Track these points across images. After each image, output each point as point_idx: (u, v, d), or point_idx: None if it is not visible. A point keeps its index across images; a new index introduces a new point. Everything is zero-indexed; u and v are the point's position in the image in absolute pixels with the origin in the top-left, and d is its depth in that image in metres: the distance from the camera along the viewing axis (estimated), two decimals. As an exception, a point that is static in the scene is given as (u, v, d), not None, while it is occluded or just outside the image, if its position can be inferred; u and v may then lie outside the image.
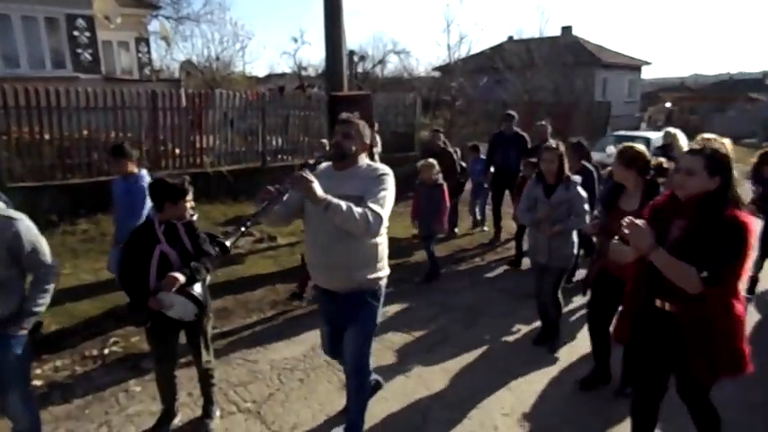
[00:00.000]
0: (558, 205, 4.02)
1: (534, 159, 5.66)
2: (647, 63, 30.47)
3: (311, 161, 2.57)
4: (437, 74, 26.37)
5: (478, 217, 8.36)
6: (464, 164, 8.26)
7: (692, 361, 2.24)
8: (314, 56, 76.76)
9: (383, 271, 2.82)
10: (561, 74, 21.71)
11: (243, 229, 2.29)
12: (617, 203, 3.28)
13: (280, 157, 10.55)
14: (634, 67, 29.55)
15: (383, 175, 2.64)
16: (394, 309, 5.18)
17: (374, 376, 3.30)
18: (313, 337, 4.50)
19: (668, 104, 30.77)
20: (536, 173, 4.28)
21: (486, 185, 7.91)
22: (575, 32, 27.83)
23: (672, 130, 6.58)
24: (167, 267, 2.86)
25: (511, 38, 27.45)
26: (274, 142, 10.69)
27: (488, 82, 21.78)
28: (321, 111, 10.95)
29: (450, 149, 7.77)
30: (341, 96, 7.22)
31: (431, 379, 3.86)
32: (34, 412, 2.79)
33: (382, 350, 4.28)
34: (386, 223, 2.60)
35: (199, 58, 23.10)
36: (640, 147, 3.28)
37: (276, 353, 4.23)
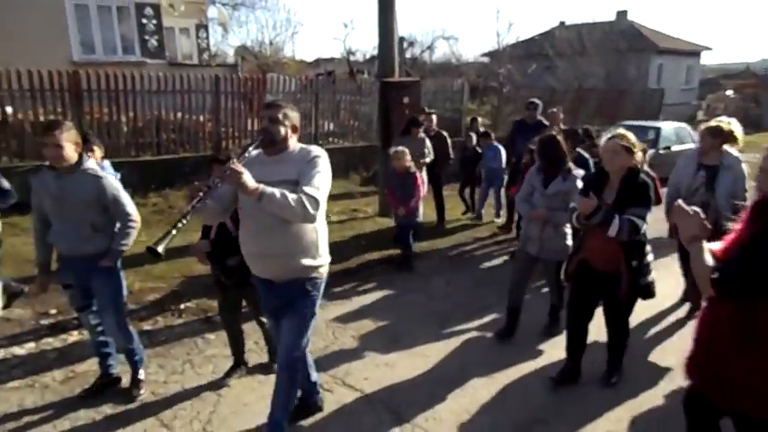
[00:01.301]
0: (554, 197, 3.99)
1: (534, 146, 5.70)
2: (708, 48, 29.26)
3: (241, 150, 2.53)
4: (486, 59, 26.27)
5: (501, 207, 7.84)
6: (480, 149, 8.00)
7: None
8: (362, 41, 77.04)
9: (323, 258, 2.74)
10: (614, 60, 21.27)
11: (174, 231, 2.21)
12: (600, 195, 3.18)
13: (331, 140, 11.05)
14: (693, 52, 28.44)
15: (316, 157, 2.56)
16: (436, 282, 5.59)
17: (319, 394, 3.25)
18: (362, 302, 5.00)
19: (729, 92, 29.45)
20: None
21: (504, 174, 7.60)
22: (630, 17, 27.06)
23: (724, 119, 6.33)
24: (225, 232, 3.29)
25: (562, 23, 26.97)
26: (325, 126, 11.19)
27: (537, 68, 21.59)
28: (370, 96, 11.40)
29: (444, 133, 7.60)
30: (392, 82, 7.62)
31: (470, 341, 4.26)
32: (129, 333, 3.40)
33: (426, 316, 4.70)
34: (323, 207, 2.53)
35: (253, 43, 23.92)
36: (630, 134, 3.18)
37: (329, 313, 4.72)
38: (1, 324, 4.26)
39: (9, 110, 7.71)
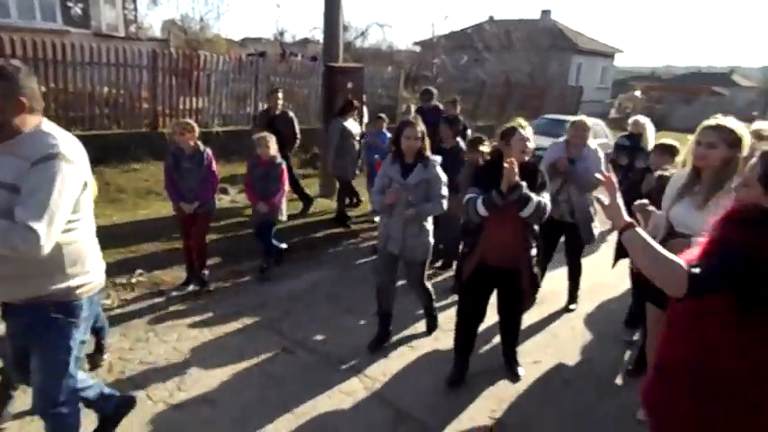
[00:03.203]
0: (415, 187, 3.62)
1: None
2: (620, 51, 31.65)
3: None
4: (417, 48, 26.86)
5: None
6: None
7: None
8: (291, 22, 75.38)
9: (79, 278, 2.11)
10: (538, 57, 22.54)
11: None
12: (497, 185, 3.07)
13: (269, 121, 11.06)
14: (607, 54, 30.64)
15: (47, 159, 1.87)
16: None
17: (112, 402, 2.67)
18: (311, 277, 5.28)
19: (638, 93, 32.00)
20: (393, 151, 3.80)
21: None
22: (553, 16, 28.66)
23: (641, 119, 6.59)
24: None
25: (492, 18, 28.09)
26: (260, 107, 11.16)
27: (468, 61, 22.44)
28: (305, 79, 11.56)
29: (291, 113, 7.00)
30: (336, 67, 7.84)
31: (418, 314, 4.66)
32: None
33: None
34: (57, 230, 1.90)
35: (181, 18, 22.98)
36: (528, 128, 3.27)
37: (282, 287, 4.99)
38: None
39: None
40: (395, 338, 4.09)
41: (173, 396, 3.19)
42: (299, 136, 7.11)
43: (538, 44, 22.86)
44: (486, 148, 4.33)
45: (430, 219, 3.79)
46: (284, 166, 5.09)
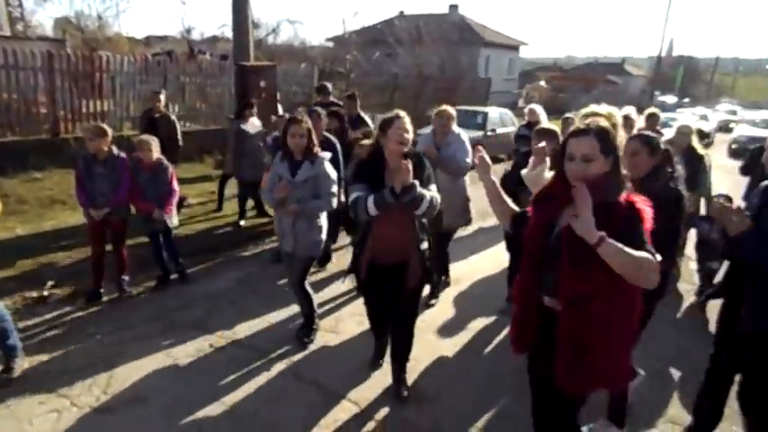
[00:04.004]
0: (304, 185, 3.60)
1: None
2: (525, 44, 33.41)
3: None
4: (330, 44, 26.92)
5: None
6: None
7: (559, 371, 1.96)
8: (199, 19, 72.71)
9: None
10: (447, 50, 23.33)
11: None
12: (383, 180, 2.99)
13: (182, 123, 10.75)
14: (513, 46, 32.24)
15: None
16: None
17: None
18: (237, 275, 5.31)
19: (542, 83, 33.96)
20: (281, 149, 3.75)
21: None
22: (461, 11, 29.75)
23: (536, 107, 7.00)
24: None
25: (402, 13, 28.70)
26: (171, 108, 10.84)
27: (380, 56, 22.81)
28: (217, 78, 11.35)
29: (173, 116, 6.77)
30: (248, 66, 7.82)
31: (325, 301, 4.84)
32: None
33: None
34: None
35: (76, 15, 21.58)
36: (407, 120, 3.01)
37: (204, 287, 5.00)
38: None
39: None
40: (321, 326, 4.24)
41: (99, 400, 3.18)
42: (180, 141, 6.71)
43: (447, 38, 23.65)
44: (366, 140, 4.32)
45: (323, 216, 3.79)
46: (172, 168, 4.80)
